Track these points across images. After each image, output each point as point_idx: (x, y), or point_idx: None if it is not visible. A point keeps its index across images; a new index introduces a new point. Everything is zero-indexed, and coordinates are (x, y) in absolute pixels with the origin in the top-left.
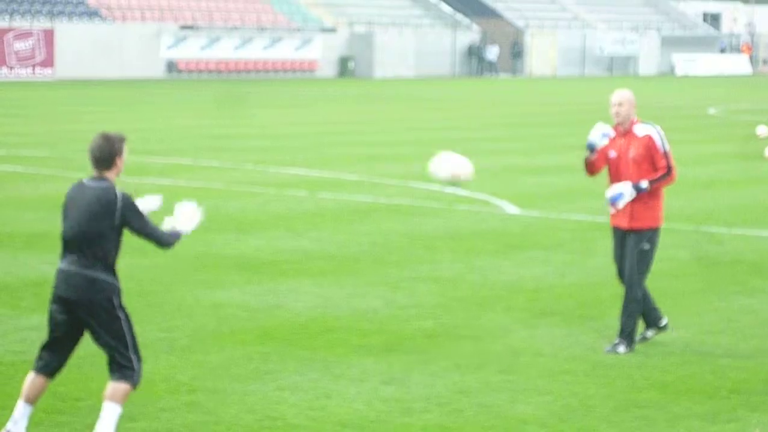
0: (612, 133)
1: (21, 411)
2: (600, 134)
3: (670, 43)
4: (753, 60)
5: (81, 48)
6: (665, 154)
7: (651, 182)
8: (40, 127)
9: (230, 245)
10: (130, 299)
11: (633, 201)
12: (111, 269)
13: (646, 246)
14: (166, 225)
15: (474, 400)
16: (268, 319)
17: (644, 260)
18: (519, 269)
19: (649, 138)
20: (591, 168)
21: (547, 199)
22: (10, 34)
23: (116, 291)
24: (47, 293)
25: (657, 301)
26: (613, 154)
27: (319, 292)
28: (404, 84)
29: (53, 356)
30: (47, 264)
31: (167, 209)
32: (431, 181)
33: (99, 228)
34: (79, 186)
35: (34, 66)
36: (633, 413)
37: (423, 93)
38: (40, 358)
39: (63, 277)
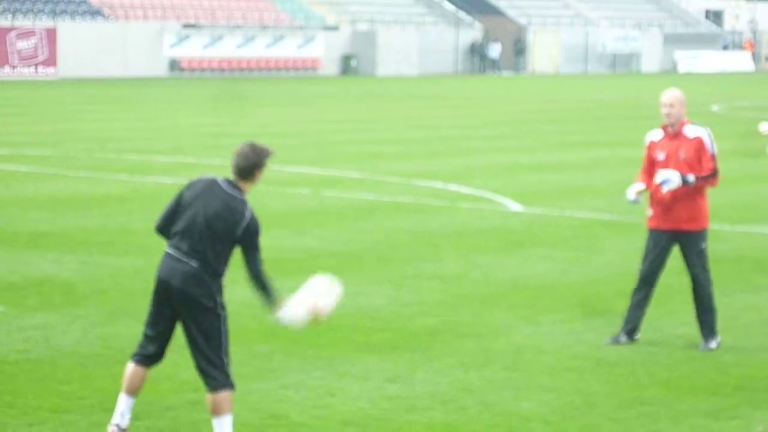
0: (639, 199)
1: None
2: (634, 196)
3: (673, 40)
4: (755, 57)
5: (84, 47)
6: (713, 157)
7: (698, 178)
8: (43, 126)
9: None
10: (136, 298)
11: (687, 202)
12: (217, 274)
13: (703, 245)
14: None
15: (478, 398)
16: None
17: (706, 258)
18: (522, 267)
19: (700, 140)
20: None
21: (550, 196)
22: (13, 33)
23: (219, 290)
24: (51, 292)
25: (662, 298)
26: (661, 156)
27: None
28: (407, 82)
29: (151, 344)
30: (51, 263)
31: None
32: (435, 179)
33: (218, 232)
34: (211, 183)
35: (36, 65)
36: (637, 410)
37: (426, 91)
38: (139, 347)
39: (169, 260)
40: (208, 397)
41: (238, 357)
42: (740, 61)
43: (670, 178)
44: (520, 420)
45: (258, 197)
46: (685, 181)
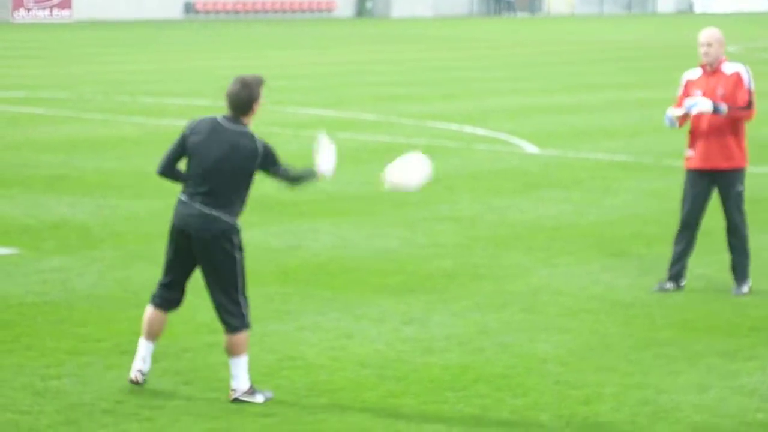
0: (676, 124)
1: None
2: (668, 120)
3: None
4: None
5: None
6: (749, 91)
7: (731, 108)
8: (58, 69)
9: None
10: (152, 241)
11: (724, 140)
12: (235, 214)
13: (741, 187)
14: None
15: (494, 340)
16: (288, 259)
17: (742, 200)
18: (538, 208)
19: (738, 75)
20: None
21: (565, 138)
22: None
23: (236, 232)
24: (68, 235)
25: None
26: (698, 93)
27: (338, 232)
28: (422, 23)
29: (169, 290)
30: (67, 206)
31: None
32: (450, 121)
33: (235, 174)
34: (214, 124)
35: (51, 8)
36: (652, 351)
37: (441, 33)
38: (157, 291)
39: (182, 208)
40: (226, 338)
41: (255, 300)
42: (757, 2)
43: (698, 102)
44: (537, 361)
45: (273, 140)
46: (716, 110)
